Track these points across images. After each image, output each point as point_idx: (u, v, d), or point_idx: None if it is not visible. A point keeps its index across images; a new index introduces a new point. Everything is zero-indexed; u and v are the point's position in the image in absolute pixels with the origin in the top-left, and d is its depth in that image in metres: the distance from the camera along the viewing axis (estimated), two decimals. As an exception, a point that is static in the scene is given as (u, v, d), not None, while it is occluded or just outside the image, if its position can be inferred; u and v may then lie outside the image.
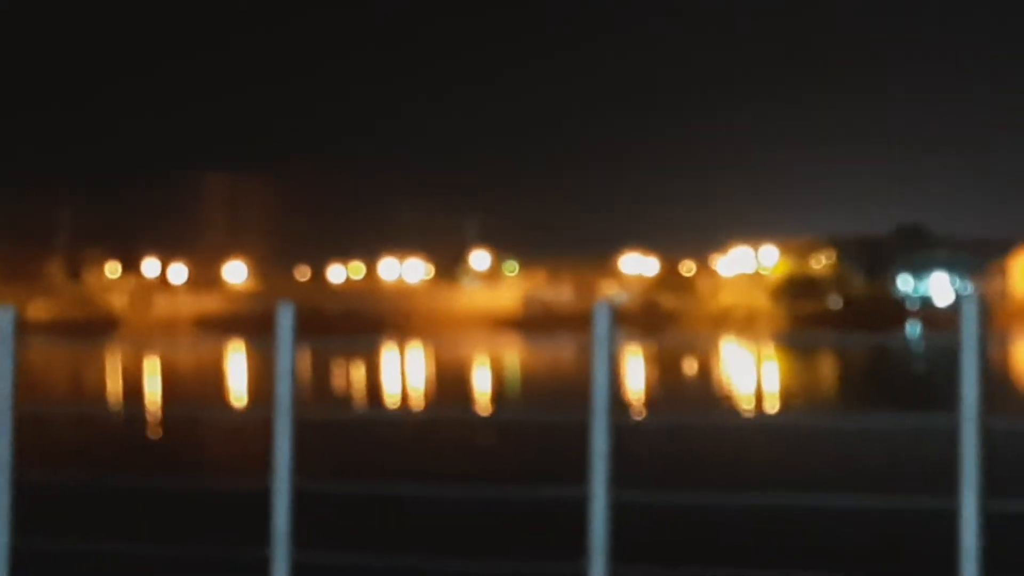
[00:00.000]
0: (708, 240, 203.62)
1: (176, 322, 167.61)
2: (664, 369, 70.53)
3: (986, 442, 5.96)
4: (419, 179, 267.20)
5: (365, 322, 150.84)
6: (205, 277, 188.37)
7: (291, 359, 7.02)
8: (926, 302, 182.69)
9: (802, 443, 32.45)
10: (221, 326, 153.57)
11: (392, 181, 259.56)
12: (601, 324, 6.60)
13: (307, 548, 7.17)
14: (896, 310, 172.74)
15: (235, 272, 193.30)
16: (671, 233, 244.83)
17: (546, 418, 13.79)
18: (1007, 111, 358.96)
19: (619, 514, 6.55)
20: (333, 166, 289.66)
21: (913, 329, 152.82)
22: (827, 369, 76.88)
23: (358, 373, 69.06)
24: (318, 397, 48.99)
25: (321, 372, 63.18)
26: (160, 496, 21.51)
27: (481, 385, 64.96)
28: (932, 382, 62.77)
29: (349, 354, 74.81)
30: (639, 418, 31.41)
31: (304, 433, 7.29)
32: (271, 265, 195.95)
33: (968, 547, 5.97)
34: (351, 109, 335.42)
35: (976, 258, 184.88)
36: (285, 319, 7.00)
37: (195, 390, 60.38)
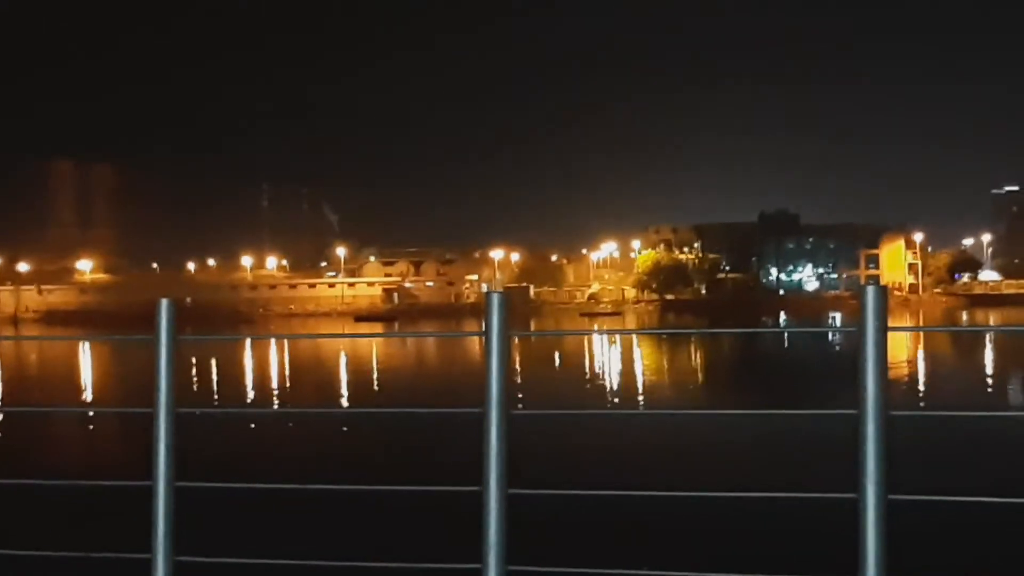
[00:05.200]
0: (576, 228, 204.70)
1: (23, 315, 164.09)
2: (534, 359, 70.22)
3: (888, 433, 5.99)
4: (280, 172, 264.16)
5: (224, 315, 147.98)
6: (54, 269, 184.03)
7: (171, 355, 6.97)
8: (793, 289, 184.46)
9: (694, 435, 31.88)
10: (71, 319, 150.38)
11: (252, 173, 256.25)
12: (494, 313, 6.43)
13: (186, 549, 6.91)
14: (763, 298, 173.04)
15: (87, 264, 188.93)
16: (538, 222, 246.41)
17: (430, 412, 14.99)
18: (874, 100, 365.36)
19: (513, 510, 6.34)
20: (191, 157, 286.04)
21: (780, 316, 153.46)
22: (698, 357, 76.44)
23: (218, 367, 67.31)
24: (183, 392, 46.85)
25: (180, 367, 60.90)
26: (30, 494, 21.10)
27: (349, 378, 63.48)
28: (804, 369, 62.94)
29: (210, 347, 73.63)
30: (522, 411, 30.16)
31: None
32: (125, 257, 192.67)
33: (870, 539, 6.04)
34: (208, 101, 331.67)
35: (844, 246, 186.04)
36: (165, 314, 6.95)
37: (54, 385, 58.66)
